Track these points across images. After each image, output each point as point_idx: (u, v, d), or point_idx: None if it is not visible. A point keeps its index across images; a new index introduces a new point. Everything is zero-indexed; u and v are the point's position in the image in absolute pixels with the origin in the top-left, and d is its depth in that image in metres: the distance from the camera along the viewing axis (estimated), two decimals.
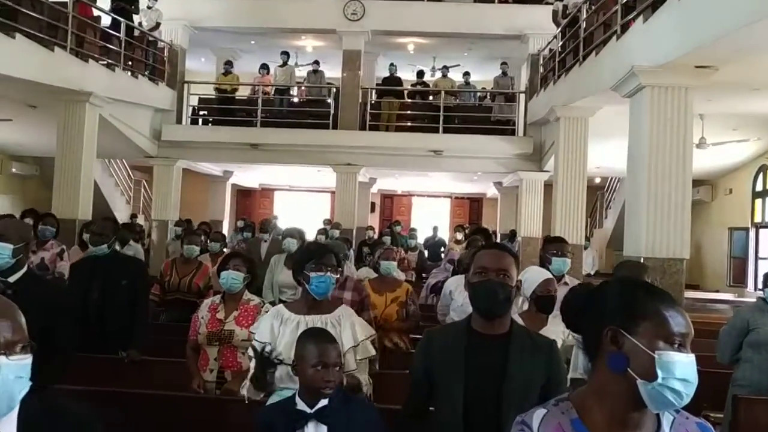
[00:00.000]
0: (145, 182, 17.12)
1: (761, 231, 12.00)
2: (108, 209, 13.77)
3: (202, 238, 6.74)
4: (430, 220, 16.63)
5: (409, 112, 13.12)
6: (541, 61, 11.52)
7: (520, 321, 2.59)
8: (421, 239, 12.07)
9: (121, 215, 14.43)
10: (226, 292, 3.69)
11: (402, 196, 20.32)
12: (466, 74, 13.29)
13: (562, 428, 1.36)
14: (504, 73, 12.83)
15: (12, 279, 2.92)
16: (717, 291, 12.10)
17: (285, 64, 13.06)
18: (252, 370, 2.59)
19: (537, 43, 11.91)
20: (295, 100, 13.91)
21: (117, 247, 4.60)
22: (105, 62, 9.55)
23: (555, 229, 8.80)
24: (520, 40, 12.43)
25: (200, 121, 13.36)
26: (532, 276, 3.25)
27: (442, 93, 12.55)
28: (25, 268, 3.03)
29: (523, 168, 12.03)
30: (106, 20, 10.13)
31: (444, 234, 14.66)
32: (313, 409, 2.17)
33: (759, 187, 12.00)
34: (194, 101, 13.26)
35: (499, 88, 12.95)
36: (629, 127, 6.35)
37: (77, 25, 8.67)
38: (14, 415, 1.35)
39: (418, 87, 13.18)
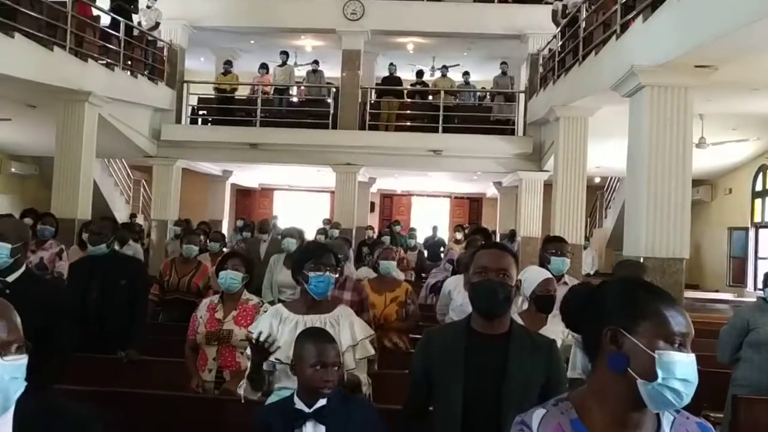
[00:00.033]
0: (144, 182, 17.10)
1: (761, 231, 11.99)
2: (107, 209, 13.76)
3: (202, 237, 6.75)
4: (430, 219, 16.63)
5: (408, 111, 13.10)
6: (541, 61, 11.50)
7: (519, 321, 2.58)
8: (420, 239, 12.07)
9: (121, 215, 14.43)
10: (224, 292, 3.69)
11: (401, 195, 20.31)
12: (466, 74, 13.28)
13: (562, 428, 1.35)
14: (503, 73, 12.82)
15: (10, 278, 2.92)
16: (717, 291, 12.08)
17: (284, 63, 13.05)
18: (248, 370, 2.58)
19: (536, 43, 11.89)
20: (295, 99, 13.90)
21: (116, 247, 4.60)
22: (104, 62, 9.53)
23: (554, 228, 8.78)
24: (520, 39, 12.42)
25: (200, 120, 13.36)
26: (532, 276, 3.25)
27: (442, 93, 12.54)
28: (23, 268, 3.02)
29: (522, 168, 12.03)
30: (105, 20, 10.12)
31: (443, 234, 14.63)
32: (312, 409, 2.17)
33: (759, 187, 12.00)
34: (194, 101, 13.24)
35: (499, 87, 12.94)
36: (629, 127, 6.34)
37: (76, 25, 8.66)
38: (10, 415, 1.35)
39: (418, 87, 13.16)
